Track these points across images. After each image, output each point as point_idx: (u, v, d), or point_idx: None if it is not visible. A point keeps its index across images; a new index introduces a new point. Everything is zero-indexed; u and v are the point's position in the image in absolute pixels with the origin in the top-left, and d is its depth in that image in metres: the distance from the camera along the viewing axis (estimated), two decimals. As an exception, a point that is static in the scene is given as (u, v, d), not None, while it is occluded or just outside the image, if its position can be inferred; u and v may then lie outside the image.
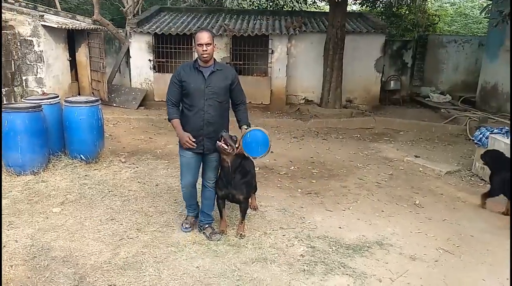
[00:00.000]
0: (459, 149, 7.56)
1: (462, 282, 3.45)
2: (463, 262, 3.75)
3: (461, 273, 3.57)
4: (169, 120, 3.82)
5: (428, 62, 12.52)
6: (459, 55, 12.41)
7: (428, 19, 15.60)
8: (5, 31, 7.83)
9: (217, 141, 3.66)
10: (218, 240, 3.92)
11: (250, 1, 16.36)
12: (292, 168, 6.25)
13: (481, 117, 8.84)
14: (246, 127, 3.79)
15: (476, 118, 8.92)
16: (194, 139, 3.70)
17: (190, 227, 4.12)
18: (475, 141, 6.21)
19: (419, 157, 6.81)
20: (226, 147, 3.65)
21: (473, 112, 9.59)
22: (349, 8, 13.23)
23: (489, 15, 10.12)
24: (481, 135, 6.11)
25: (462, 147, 7.70)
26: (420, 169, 6.29)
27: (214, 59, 3.77)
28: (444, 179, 5.93)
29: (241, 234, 3.99)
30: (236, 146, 3.69)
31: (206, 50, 3.59)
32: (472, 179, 5.94)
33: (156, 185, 5.28)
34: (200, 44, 3.59)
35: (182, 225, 4.14)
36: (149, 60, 10.57)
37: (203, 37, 3.59)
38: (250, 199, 4.36)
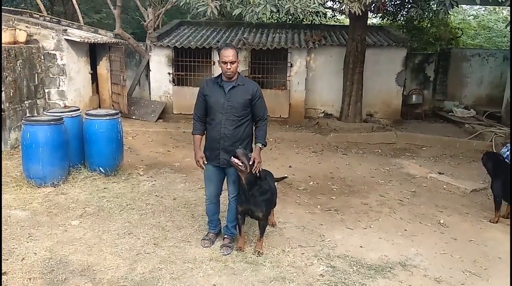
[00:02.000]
0: (484, 165, 7.32)
1: (491, 307, 3.29)
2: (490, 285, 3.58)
3: (490, 298, 3.41)
4: (193, 135, 3.90)
5: (451, 76, 12.29)
6: (483, 68, 12.15)
7: (450, 33, 15.37)
8: (30, 45, 8.01)
9: (232, 157, 3.63)
10: (226, 254, 3.88)
11: (270, 14, 16.43)
12: (311, 183, 6.15)
13: (507, 133, 8.57)
14: (260, 147, 3.77)
15: (502, 134, 8.65)
16: (205, 162, 3.81)
17: (210, 243, 4.06)
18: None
19: (443, 173, 6.61)
20: (240, 164, 3.60)
21: (499, 128, 9.33)
22: (369, 22, 13.14)
23: (510, 27, 9.92)
24: (507, 152, 5.91)
25: (488, 163, 7.45)
26: (444, 186, 6.10)
27: (239, 73, 3.76)
28: (469, 197, 5.73)
29: (259, 251, 3.90)
30: (250, 163, 3.63)
31: (230, 69, 3.62)
32: (499, 197, 5.71)
33: (174, 199, 5.25)
34: (225, 62, 3.60)
35: (202, 240, 4.09)
36: (169, 73, 10.67)
37: (228, 55, 3.59)
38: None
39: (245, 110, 3.73)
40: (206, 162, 3.82)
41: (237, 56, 3.66)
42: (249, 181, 3.71)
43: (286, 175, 4.98)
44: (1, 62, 6.80)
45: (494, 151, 8.04)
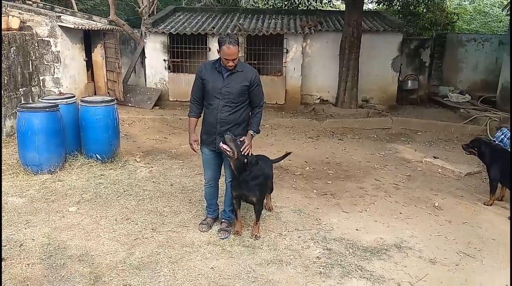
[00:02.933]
0: (479, 149, 7.37)
1: (484, 287, 3.35)
2: (485, 266, 3.64)
3: (483, 277, 3.47)
4: (188, 116, 3.92)
5: (446, 61, 12.28)
6: (478, 54, 12.14)
7: (446, 18, 15.31)
8: (23, 32, 7.93)
9: (220, 143, 3.64)
10: (224, 238, 3.92)
11: (265, 0, 16.30)
12: (307, 168, 6.18)
13: (502, 118, 8.63)
14: (252, 133, 3.77)
15: (496, 119, 8.71)
16: (198, 146, 3.86)
17: (208, 228, 4.09)
18: (497, 141, 6.04)
19: (438, 157, 6.66)
20: (228, 150, 3.61)
21: (494, 112, 9.37)
22: (365, 7, 13.05)
23: (510, 12, 9.89)
24: (502, 136, 5.95)
25: (482, 147, 7.50)
26: (439, 170, 6.15)
27: (238, 58, 3.70)
28: (464, 181, 5.79)
29: (256, 235, 3.94)
30: (242, 150, 3.63)
31: (231, 66, 3.61)
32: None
33: (171, 185, 5.27)
34: (227, 59, 3.56)
35: (199, 225, 4.12)
36: (164, 60, 10.60)
37: (231, 53, 3.53)
38: (265, 200, 4.32)
39: (242, 96, 3.72)
40: (199, 145, 3.86)
41: (239, 48, 3.61)
42: (237, 167, 3.72)
43: (290, 152, 4.95)
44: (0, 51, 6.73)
45: (489, 135, 8.09)
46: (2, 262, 3.42)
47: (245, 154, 3.66)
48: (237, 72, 3.68)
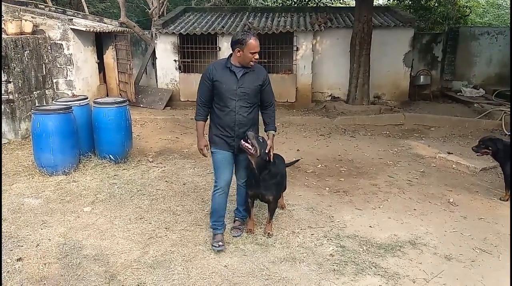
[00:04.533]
0: (494, 144, 7.26)
1: (501, 283, 3.30)
2: (501, 262, 3.58)
3: (499, 273, 3.42)
4: (195, 120, 3.77)
5: (459, 56, 12.11)
6: (492, 47, 11.94)
7: (458, 11, 15.09)
8: (36, 36, 8.05)
9: (241, 141, 3.60)
10: (237, 236, 3.92)
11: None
12: (320, 166, 6.16)
13: (517, 112, 8.48)
14: (273, 134, 3.77)
15: (511, 113, 8.56)
16: (206, 152, 3.76)
17: (223, 244, 3.75)
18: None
19: (452, 153, 6.57)
20: (250, 147, 3.59)
21: (509, 106, 9.20)
22: (375, 2, 12.96)
23: (510, 11, 9.71)
24: (518, 130, 5.84)
25: (498, 142, 7.39)
26: (454, 165, 6.07)
27: None
28: (479, 176, 5.71)
29: (269, 233, 3.94)
30: (266, 151, 3.64)
31: (257, 59, 3.55)
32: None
33: (184, 184, 5.30)
34: (254, 53, 3.48)
35: (213, 245, 3.72)
36: (175, 60, 10.66)
37: (258, 45, 3.50)
38: (278, 198, 4.32)
39: (256, 96, 3.67)
40: (209, 150, 3.75)
41: None
42: (259, 165, 3.70)
43: (298, 158, 4.97)
44: (0, 52, 6.84)
45: (504, 130, 7.96)
46: (20, 262, 3.49)
47: (269, 155, 3.64)
48: (250, 71, 3.61)
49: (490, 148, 4.91)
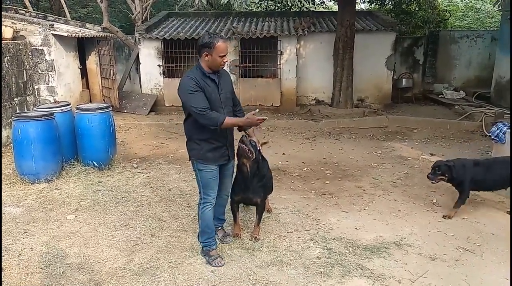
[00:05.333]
0: (475, 145, 7.40)
1: (485, 281, 3.36)
2: (484, 261, 3.65)
3: (483, 272, 3.48)
4: (221, 124, 3.27)
5: (440, 59, 12.33)
6: (471, 50, 12.20)
7: (438, 15, 15.35)
8: (17, 41, 7.91)
9: (240, 144, 3.56)
10: (230, 242, 3.88)
11: (258, 3, 16.33)
12: (305, 169, 6.18)
13: (497, 113, 8.65)
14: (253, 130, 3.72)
15: (491, 114, 8.73)
16: (258, 115, 3.33)
17: (223, 259, 3.62)
18: (492, 137, 6.04)
19: (434, 154, 6.68)
20: (249, 150, 3.58)
21: (489, 108, 9.40)
22: (357, 7, 13.09)
23: (501, 7, 9.95)
24: (498, 131, 5.94)
25: (479, 143, 7.54)
26: (436, 166, 6.16)
27: None
28: (461, 177, 5.80)
29: (256, 237, 3.94)
30: (258, 149, 3.64)
31: (225, 62, 3.40)
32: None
33: (169, 190, 5.26)
34: (223, 56, 3.32)
35: (213, 262, 3.56)
36: (159, 65, 10.60)
37: (226, 48, 3.37)
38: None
39: (233, 99, 3.62)
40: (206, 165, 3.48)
41: None
42: (253, 167, 3.70)
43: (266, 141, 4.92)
44: (0, 53, 6.71)
45: (485, 131, 8.11)
46: (1, 272, 3.41)
47: (260, 151, 3.64)
48: (222, 74, 3.50)
49: (446, 175, 4.48)
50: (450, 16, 16.27)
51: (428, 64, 12.35)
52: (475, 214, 4.58)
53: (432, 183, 4.61)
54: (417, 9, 14.93)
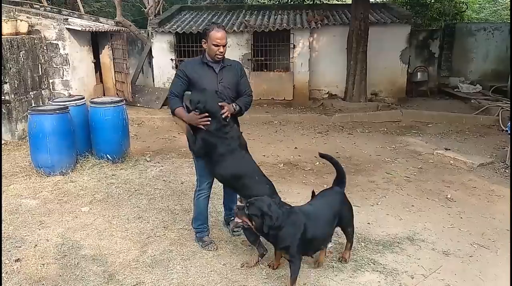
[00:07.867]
0: (491, 140, 7.27)
1: (499, 277, 3.31)
2: (499, 257, 3.60)
3: (497, 268, 3.43)
4: (173, 111, 3.45)
5: (456, 52, 12.13)
6: (489, 43, 11.97)
7: (455, 7, 15.09)
8: (32, 36, 8.02)
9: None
10: (239, 234, 3.88)
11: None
12: (317, 163, 6.16)
13: (514, 107, 8.50)
14: (234, 106, 3.43)
15: (508, 108, 8.57)
16: (202, 118, 3.27)
17: (215, 244, 3.75)
18: (509, 132, 5.96)
19: (449, 149, 6.59)
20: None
21: (505, 102, 9.23)
22: (371, -1, 12.94)
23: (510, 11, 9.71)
24: (515, 126, 5.86)
25: (495, 138, 7.40)
26: (451, 161, 6.08)
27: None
28: (476, 172, 5.72)
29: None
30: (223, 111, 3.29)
31: (222, 52, 3.39)
32: (507, 171, 5.69)
33: (181, 183, 5.29)
34: (217, 45, 3.34)
35: (206, 247, 3.68)
36: (171, 59, 10.63)
37: (222, 37, 3.34)
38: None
39: (236, 91, 3.56)
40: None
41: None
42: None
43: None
44: (1, 52, 6.81)
45: (502, 125, 7.97)
46: (18, 263, 3.48)
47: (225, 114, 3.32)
48: (227, 66, 3.50)
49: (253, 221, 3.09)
50: (467, 8, 15.97)
51: (444, 57, 12.16)
52: (490, 210, 4.51)
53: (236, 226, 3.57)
54: (433, 1, 14.69)
